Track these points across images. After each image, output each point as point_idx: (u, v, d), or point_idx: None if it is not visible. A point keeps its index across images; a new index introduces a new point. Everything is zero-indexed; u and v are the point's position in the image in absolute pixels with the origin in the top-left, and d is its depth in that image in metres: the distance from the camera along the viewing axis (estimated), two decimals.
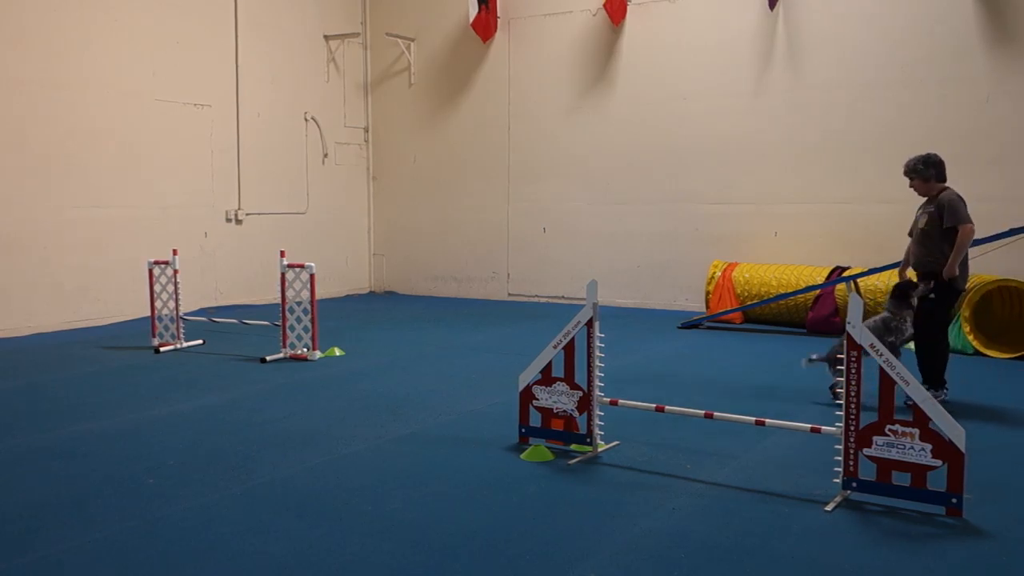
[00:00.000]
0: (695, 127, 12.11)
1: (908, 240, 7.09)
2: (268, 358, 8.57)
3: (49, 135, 10.41)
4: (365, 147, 14.96)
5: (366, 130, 14.94)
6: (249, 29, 12.79)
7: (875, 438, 4.45)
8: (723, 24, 11.85)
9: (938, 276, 6.64)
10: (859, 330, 4.45)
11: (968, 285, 9.17)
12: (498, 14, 13.54)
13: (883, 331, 6.54)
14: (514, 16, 13.50)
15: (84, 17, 10.72)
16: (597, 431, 5.40)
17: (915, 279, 6.88)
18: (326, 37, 14.04)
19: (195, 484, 4.89)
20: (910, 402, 6.21)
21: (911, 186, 6.91)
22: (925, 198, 6.93)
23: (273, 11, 13.17)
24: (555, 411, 5.49)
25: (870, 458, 4.47)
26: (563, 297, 13.33)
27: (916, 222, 6.92)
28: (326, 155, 14.18)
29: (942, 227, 6.62)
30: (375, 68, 14.86)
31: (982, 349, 8.81)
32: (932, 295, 6.66)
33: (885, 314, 6.71)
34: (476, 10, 13.23)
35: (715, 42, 11.91)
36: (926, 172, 6.80)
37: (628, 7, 12.49)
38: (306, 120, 13.80)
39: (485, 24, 13.42)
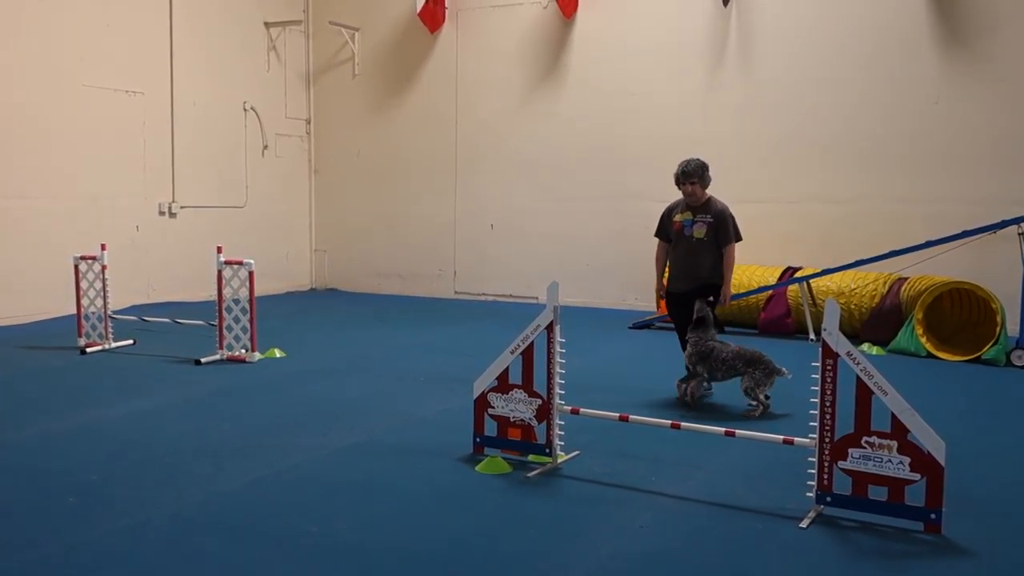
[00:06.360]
0: (646, 124, 11.91)
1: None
2: (203, 360, 8.09)
3: None
4: (307, 139, 14.46)
5: (308, 122, 14.43)
6: (185, 13, 12.18)
7: (851, 450, 4.24)
8: (676, 20, 11.67)
9: (716, 289, 6.82)
10: (835, 337, 4.23)
11: (921, 287, 9.18)
12: (446, 5, 13.17)
13: (700, 359, 6.47)
14: (463, 7, 13.13)
15: None
16: (557, 441, 5.11)
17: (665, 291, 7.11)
18: (266, 24, 13.49)
19: (120, 502, 4.46)
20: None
21: (687, 190, 6.78)
22: (689, 202, 6.84)
23: None
24: (512, 420, 5.18)
25: (845, 471, 4.26)
26: (511, 296, 13.04)
27: (683, 230, 6.81)
28: (266, 147, 13.65)
29: (717, 238, 6.76)
30: (318, 58, 14.36)
31: (934, 351, 8.76)
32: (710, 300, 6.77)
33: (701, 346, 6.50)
34: (423, 0, 12.83)
35: (667, 38, 11.72)
36: (708, 179, 6.82)
37: (580, 1, 12.23)
38: (245, 110, 13.24)
39: (433, 15, 13.03)
